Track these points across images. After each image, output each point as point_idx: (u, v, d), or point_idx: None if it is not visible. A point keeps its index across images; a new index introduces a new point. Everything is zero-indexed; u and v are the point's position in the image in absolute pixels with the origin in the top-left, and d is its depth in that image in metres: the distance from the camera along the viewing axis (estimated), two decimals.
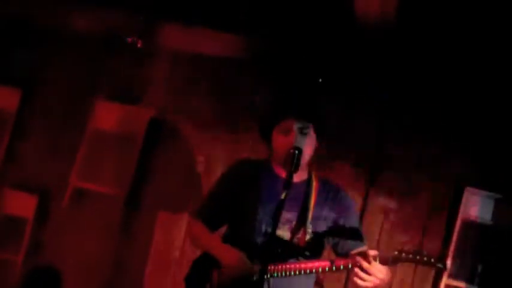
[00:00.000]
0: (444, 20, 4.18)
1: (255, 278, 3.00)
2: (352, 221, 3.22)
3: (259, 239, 3.09)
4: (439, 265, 2.79)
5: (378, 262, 2.86)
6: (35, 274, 4.97)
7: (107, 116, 5.07)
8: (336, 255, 3.18)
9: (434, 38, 4.37)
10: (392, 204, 4.72)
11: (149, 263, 4.94)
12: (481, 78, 4.52)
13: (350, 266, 2.93)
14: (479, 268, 4.48)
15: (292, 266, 3.02)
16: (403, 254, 2.82)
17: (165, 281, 4.86)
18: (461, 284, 4.48)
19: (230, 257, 3.07)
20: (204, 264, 3.21)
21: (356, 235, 3.17)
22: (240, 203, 3.19)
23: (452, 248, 4.50)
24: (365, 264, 2.86)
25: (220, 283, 3.09)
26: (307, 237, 3.10)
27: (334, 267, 2.97)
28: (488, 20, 4.01)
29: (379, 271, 2.87)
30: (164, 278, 4.87)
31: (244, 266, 3.04)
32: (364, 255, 2.88)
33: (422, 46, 4.48)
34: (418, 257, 2.80)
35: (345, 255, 3.09)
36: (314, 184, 3.20)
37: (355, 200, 3.65)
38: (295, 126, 3.06)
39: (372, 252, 2.87)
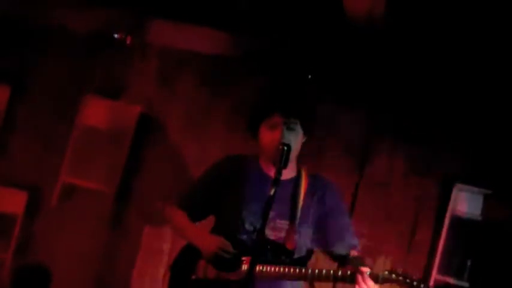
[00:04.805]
0: (432, 18, 4.18)
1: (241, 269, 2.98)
2: (342, 221, 3.17)
3: (243, 237, 3.06)
4: None
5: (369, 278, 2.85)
6: (25, 271, 4.95)
7: (97, 112, 5.05)
8: (332, 258, 3.14)
9: (423, 35, 4.38)
10: (382, 198, 4.73)
11: (139, 258, 4.95)
12: (470, 76, 4.53)
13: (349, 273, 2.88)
14: (469, 264, 4.50)
15: (283, 269, 2.94)
16: (393, 275, 2.83)
17: (156, 275, 4.86)
18: (451, 280, 4.50)
19: (209, 242, 3.05)
20: (191, 254, 3.16)
21: (346, 235, 3.13)
22: (224, 200, 3.16)
23: (441, 243, 4.51)
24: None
25: (207, 273, 3.07)
26: (296, 238, 3.06)
27: (336, 277, 2.88)
28: (475, 16, 4.02)
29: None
30: (154, 272, 4.87)
31: (226, 247, 3.01)
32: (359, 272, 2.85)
33: (412, 43, 4.49)
34: (407, 280, 2.81)
35: (340, 258, 3.07)
36: (303, 181, 3.16)
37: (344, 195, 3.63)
38: (282, 121, 3.05)
39: (364, 269, 2.86)
